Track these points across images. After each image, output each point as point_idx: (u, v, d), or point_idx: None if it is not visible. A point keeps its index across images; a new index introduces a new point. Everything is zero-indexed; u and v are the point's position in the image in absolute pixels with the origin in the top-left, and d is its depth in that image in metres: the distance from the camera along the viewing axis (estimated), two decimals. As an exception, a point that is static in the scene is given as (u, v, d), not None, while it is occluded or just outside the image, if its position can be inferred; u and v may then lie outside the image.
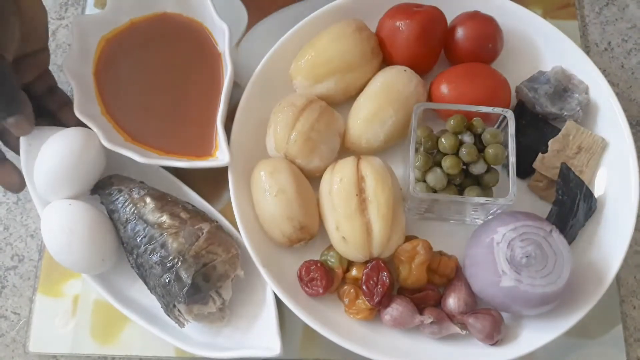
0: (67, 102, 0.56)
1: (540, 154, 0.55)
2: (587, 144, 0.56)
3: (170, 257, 0.49)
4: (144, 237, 0.51)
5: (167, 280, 0.49)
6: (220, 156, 0.54)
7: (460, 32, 0.57)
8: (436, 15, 0.57)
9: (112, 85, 0.58)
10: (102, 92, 0.58)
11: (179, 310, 0.49)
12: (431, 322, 0.50)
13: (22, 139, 0.54)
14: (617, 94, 0.56)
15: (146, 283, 0.52)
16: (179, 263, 0.49)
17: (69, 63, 0.56)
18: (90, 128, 0.53)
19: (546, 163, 0.55)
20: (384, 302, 0.50)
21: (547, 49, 0.59)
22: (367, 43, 0.57)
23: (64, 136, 0.53)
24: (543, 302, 0.47)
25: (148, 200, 0.53)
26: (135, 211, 0.52)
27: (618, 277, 0.55)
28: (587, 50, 0.64)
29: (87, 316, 0.55)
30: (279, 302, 0.51)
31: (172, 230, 0.50)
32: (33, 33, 0.52)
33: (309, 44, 0.58)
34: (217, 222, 0.53)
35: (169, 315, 0.50)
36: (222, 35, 0.57)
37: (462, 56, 0.58)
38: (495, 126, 0.54)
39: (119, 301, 0.53)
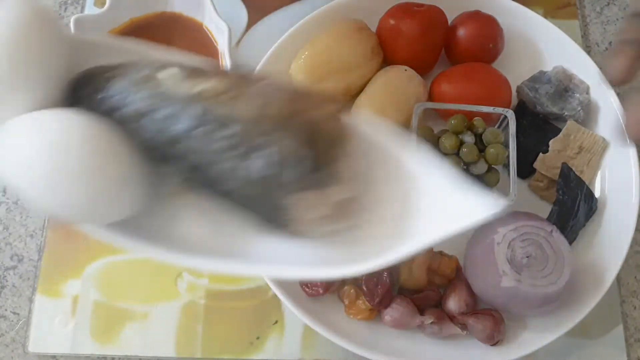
0: None
1: (540, 154, 0.55)
2: (588, 144, 0.55)
3: (249, 132, 0.29)
4: (186, 119, 0.30)
5: (260, 167, 0.29)
6: (220, 156, 0.53)
7: (461, 32, 0.57)
8: (437, 14, 0.57)
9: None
10: (102, 91, 0.57)
11: (300, 205, 0.30)
12: (431, 323, 0.50)
13: None
14: (618, 94, 0.56)
15: (219, 191, 0.32)
16: (270, 134, 0.29)
17: (69, 62, 0.55)
18: None
19: (547, 163, 0.55)
20: (384, 302, 0.50)
21: (548, 48, 0.59)
22: (368, 43, 0.57)
23: None
24: (544, 302, 0.47)
25: (167, 71, 0.32)
26: (154, 91, 0.31)
27: (619, 278, 0.55)
28: (588, 50, 0.64)
29: (87, 316, 0.55)
30: (277, 304, 0.51)
31: (229, 94, 0.30)
32: None
33: (309, 44, 0.58)
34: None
35: (277, 225, 0.31)
36: (222, 35, 0.57)
37: (462, 56, 0.57)
38: (496, 126, 0.54)
39: (169, 250, 0.33)
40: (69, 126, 0.31)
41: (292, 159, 0.29)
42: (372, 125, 0.34)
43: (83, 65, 0.35)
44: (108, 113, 0.32)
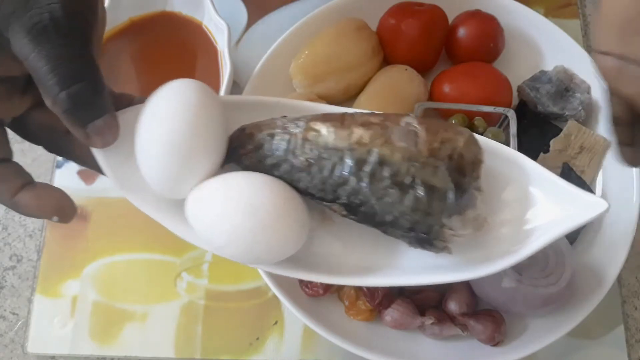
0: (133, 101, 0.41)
1: (541, 154, 0.55)
2: (589, 144, 0.55)
3: (403, 170, 0.35)
4: (349, 166, 0.36)
5: (418, 198, 0.35)
6: (220, 156, 0.54)
7: (461, 31, 0.57)
8: (437, 14, 0.57)
9: (111, 85, 0.58)
10: (101, 91, 0.57)
11: (450, 229, 0.35)
12: (432, 323, 0.50)
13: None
14: (619, 94, 0.56)
15: (380, 223, 0.37)
16: (421, 170, 0.35)
17: (68, 62, 0.55)
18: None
19: (548, 163, 0.55)
20: (385, 303, 0.50)
21: (549, 48, 0.59)
22: (368, 42, 0.57)
23: (175, 90, 0.36)
24: (544, 302, 0.47)
25: (319, 125, 0.37)
26: (315, 145, 0.36)
27: (619, 278, 0.55)
28: (589, 49, 0.64)
29: (86, 317, 0.55)
30: (277, 304, 0.51)
31: (380, 141, 0.35)
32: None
33: (309, 43, 0.57)
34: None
35: (432, 245, 0.36)
36: (221, 34, 0.57)
37: (463, 55, 0.57)
38: (497, 126, 0.54)
39: (324, 275, 0.38)
40: (254, 187, 0.36)
41: (440, 192, 0.34)
42: (490, 141, 0.39)
43: (233, 123, 0.39)
44: (273, 167, 0.37)
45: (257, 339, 0.54)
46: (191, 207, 0.36)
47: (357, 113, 0.38)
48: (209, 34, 0.59)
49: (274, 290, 0.51)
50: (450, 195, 0.34)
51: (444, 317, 0.50)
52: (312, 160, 0.36)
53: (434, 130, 0.36)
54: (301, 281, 0.52)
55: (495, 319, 0.50)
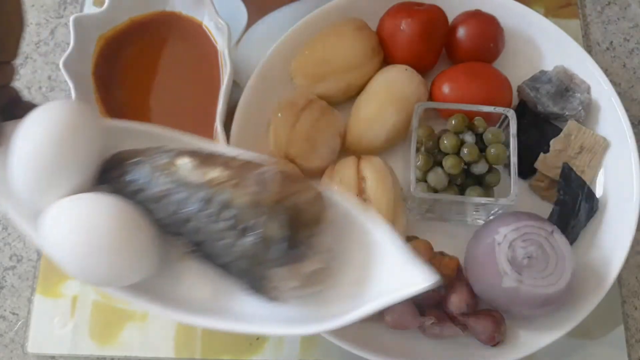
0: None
1: (541, 154, 0.55)
2: (589, 144, 0.55)
3: (243, 216, 0.36)
4: (195, 203, 0.37)
5: (250, 245, 0.36)
6: (220, 156, 0.54)
7: (461, 31, 0.57)
8: (437, 14, 0.57)
9: (111, 85, 0.58)
10: (101, 91, 0.57)
11: (276, 279, 0.37)
12: (432, 323, 0.49)
13: None
14: (619, 94, 0.56)
15: (216, 263, 0.39)
16: (258, 218, 0.36)
17: (68, 62, 0.55)
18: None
19: (548, 163, 0.55)
20: (385, 303, 0.50)
21: (549, 48, 0.59)
22: (368, 42, 0.57)
23: (49, 110, 0.39)
24: (544, 303, 0.47)
25: (181, 160, 0.38)
26: (170, 178, 0.38)
27: (620, 278, 0.55)
28: (589, 49, 0.64)
29: (86, 317, 0.55)
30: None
31: (231, 183, 0.37)
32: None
33: (309, 43, 0.57)
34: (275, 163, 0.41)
35: (260, 293, 0.38)
36: (221, 34, 0.56)
37: (463, 55, 0.57)
38: (497, 126, 0.54)
39: (169, 308, 0.40)
40: (99, 210, 0.37)
41: (274, 241, 0.36)
42: (343, 199, 0.41)
43: (114, 147, 0.41)
44: (133, 194, 0.39)
45: (257, 339, 0.54)
46: (42, 221, 0.38)
47: (224, 154, 0.40)
48: (209, 34, 0.59)
49: (274, 290, 0.50)
50: (282, 247, 0.36)
51: (444, 317, 0.50)
52: (164, 193, 0.38)
53: (286, 183, 0.38)
54: (301, 281, 0.52)
55: (495, 319, 0.50)
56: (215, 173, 0.37)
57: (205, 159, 0.39)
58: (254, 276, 0.37)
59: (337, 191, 0.42)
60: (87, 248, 0.37)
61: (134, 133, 0.43)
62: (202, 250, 0.38)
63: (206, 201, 0.37)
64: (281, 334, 0.39)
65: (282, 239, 0.36)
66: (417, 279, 0.37)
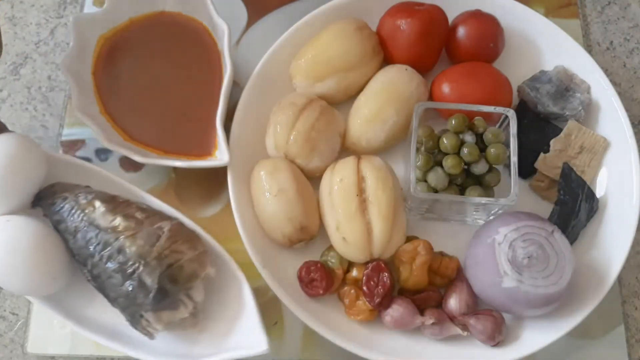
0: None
1: (542, 154, 0.55)
2: (589, 144, 0.55)
3: (130, 262, 0.45)
4: (98, 244, 0.46)
5: (129, 289, 0.45)
6: (220, 156, 0.54)
7: (461, 31, 0.57)
8: (437, 13, 0.57)
9: (111, 84, 0.58)
10: (101, 91, 0.57)
11: (146, 320, 0.45)
12: (432, 323, 0.49)
13: None
14: (619, 94, 0.56)
15: (106, 295, 0.47)
16: (141, 267, 0.45)
17: (68, 62, 0.55)
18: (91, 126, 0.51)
19: (548, 163, 0.55)
20: (385, 303, 0.50)
21: (549, 48, 0.59)
22: (368, 42, 0.57)
23: None
24: (545, 302, 0.47)
25: (97, 203, 0.48)
26: (85, 217, 0.47)
27: (620, 278, 0.55)
28: (589, 49, 0.64)
29: (86, 317, 0.55)
30: (277, 304, 0.51)
31: (128, 233, 0.46)
32: None
33: (309, 43, 0.57)
34: (177, 219, 0.50)
35: (135, 328, 0.46)
36: (221, 34, 0.56)
37: (463, 55, 0.57)
38: (497, 126, 0.53)
39: (77, 322, 0.49)
40: (23, 232, 0.46)
41: (146, 289, 0.45)
42: (229, 259, 0.50)
43: (54, 176, 0.51)
44: (56, 223, 0.49)
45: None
46: None
47: (135, 204, 0.49)
48: (209, 34, 0.59)
49: (274, 290, 0.51)
50: (151, 295, 0.44)
51: (444, 317, 0.50)
52: (78, 229, 0.47)
53: (174, 240, 0.46)
54: (301, 281, 0.52)
55: (495, 319, 0.50)
56: (118, 221, 0.47)
57: (117, 205, 0.48)
58: (132, 313, 0.46)
59: (225, 251, 0.50)
60: (9, 266, 0.46)
61: (73, 166, 0.52)
62: (97, 282, 0.47)
63: (106, 243, 0.46)
64: None
65: (152, 290, 0.44)
66: (255, 343, 0.46)
